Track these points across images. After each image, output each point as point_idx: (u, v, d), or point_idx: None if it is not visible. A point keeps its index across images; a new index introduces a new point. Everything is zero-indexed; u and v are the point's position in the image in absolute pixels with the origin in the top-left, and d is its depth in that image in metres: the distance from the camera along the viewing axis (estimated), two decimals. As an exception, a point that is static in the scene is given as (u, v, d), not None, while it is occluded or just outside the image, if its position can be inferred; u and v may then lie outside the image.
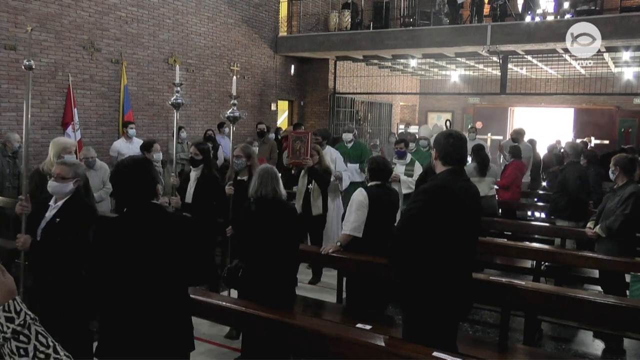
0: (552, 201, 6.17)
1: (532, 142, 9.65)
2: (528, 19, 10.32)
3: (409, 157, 6.49)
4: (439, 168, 2.74)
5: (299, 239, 3.52)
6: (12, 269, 4.69)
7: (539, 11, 11.26)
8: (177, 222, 2.39)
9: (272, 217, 3.27)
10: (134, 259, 2.24)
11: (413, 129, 15.28)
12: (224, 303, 3.12)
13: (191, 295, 2.62)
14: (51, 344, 1.14)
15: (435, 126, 8.05)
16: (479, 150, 6.65)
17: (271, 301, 3.14)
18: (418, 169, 6.29)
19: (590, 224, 4.80)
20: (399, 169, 6.34)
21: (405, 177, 6.29)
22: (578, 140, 11.11)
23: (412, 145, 7.32)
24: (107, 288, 2.34)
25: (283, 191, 3.43)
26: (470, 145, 7.79)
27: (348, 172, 6.34)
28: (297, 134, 5.64)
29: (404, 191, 6.16)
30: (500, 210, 7.07)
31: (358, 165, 7.01)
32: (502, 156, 9.03)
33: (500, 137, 15.39)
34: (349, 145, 7.28)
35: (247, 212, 3.33)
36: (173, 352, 2.34)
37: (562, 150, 8.46)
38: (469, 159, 7.54)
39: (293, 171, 5.78)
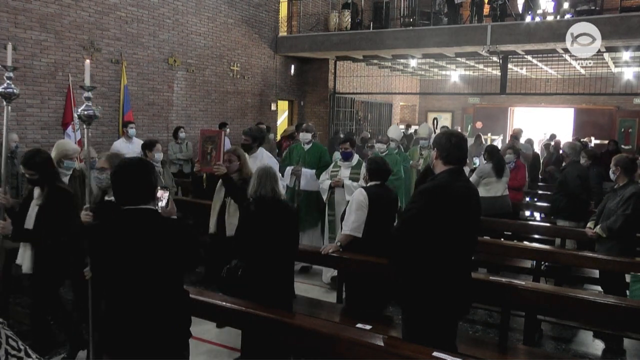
0: (552, 201, 6.17)
1: (530, 142, 9.71)
2: (528, 19, 10.32)
3: (355, 158, 5.71)
4: (439, 168, 2.74)
5: (298, 239, 3.52)
6: (13, 270, 4.70)
7: (539, 11, 11.26)
8: (172, 226, 2.41)
9: (271, 217, 3.28)
10: (128, 260, 2.26)
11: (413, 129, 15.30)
12: (224, 303, 3.12)
13: (191, 295, 2.62)
14: (22, 347, 1.14)
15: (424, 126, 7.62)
16: (494, 151, 6.65)
17: (271, 300, 3.14)
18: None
19: (590, 224, 4.80)
20: (343, 172, 5.62)
21: (350, 182, 5.47)
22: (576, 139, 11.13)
23: (380, 146, 6.57)
24: (105, 286, 2.37)
25: (282, 191, 3.44)
26: None
27: (284, 181, 5.47)
28: (207, 133, 4.55)
29: (348, 197, 5.22)
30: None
31: (315, 171, 6.11)
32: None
33: (500, 137, 15.42)
34: (307, 147, 6.31)
35: (247, 212, 3.34)
36: (170, 349, 2.36)
37: (560, 151, 8.50)
38: (481, 159, 7.51)
39: (204, 182, 4.50)
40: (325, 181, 5.73)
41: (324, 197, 5.70)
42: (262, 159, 5.18)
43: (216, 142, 4.29)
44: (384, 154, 6.26)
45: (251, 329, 3.10)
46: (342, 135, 9.82)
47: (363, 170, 5.37)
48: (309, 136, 6.32)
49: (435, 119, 7.43)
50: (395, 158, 6.45)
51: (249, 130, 5.46)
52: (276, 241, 3.26)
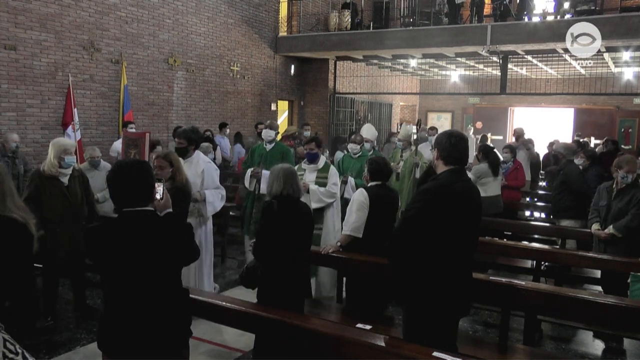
0: (555, 202, 6.03)
1: (531, 142, 9.71)
2: (525, 19, 10.33)
3: (322, 161, 5.19)
4: (440, 168, 2.74)
5: (312, 239, 3.51)
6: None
7: (539, 11, 11.26)
8: (170, 226, 2.42)
9: (294, 217, 3.26)
10: (129, 262, 2.27)
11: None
12: (224, 303, 3.12)
13: (192, 296, 2.62)
14: (19, 350, 1.14)
15: (405, 127, 6.99)
16: (489, 150, 6.65)
17: (290, 300, 3.16)
18: (333, 177, 5.10)
19: (596, 226, 4.69)
20: (307, 176, 5.06)
21: (316, 187, 4.95)
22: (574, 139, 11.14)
23: (353, 147, 5.88)
24: (105, 287, 2.38)
25: (300, 188, 3.43)
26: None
27: (221, 190, 4.71)
28: (130, 136, 3.90)
29: (314, 205, 4.77)
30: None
31: None
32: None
33: (500, 137, 15.43)
34: (269, 147, 5.70)
35: (269, 211, 3.28)
36: (170, 349, 2.38)
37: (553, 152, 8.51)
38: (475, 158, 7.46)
39: None
40: None
41: None
42: (197, 163, 4.52)
43: (139, 146, 3.74)
44: (358, 155, 5.82)
45: (251, 329, 3.10)
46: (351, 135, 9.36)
47: (332, 172, 5.06)
48: (272, 134, 5.68)
49: (419, 120, 6.98)
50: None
51: (182, 132, 4.56)
52: (297, 241, 3.26)
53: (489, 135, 15.00)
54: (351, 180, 5.55)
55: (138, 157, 3.73)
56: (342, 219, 5.50)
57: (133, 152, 3.79)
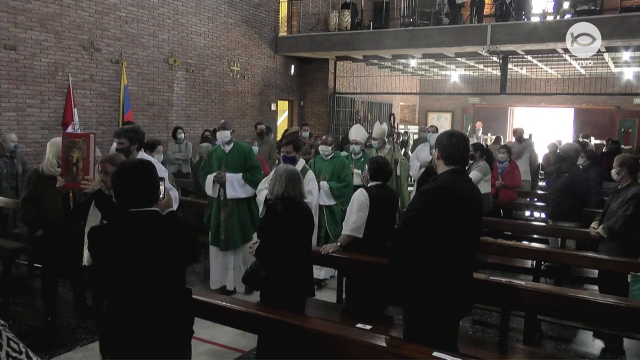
0: (554, 204, 5.90)
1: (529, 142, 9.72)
2: (524, 19, 10.32)
3: (300, 164, 4.93)
4: (441, 168, 2.73)
5: (311, 239, 3.53)
6: (13, 269, 4.70)
7: (539, 11, 11.27)
8: (174, 226, 2.41)
9: (298, 218, 3.26)
10: (134, 263, 2.26)
11: (412, 129, 15.31)
12: (225, 303, 3.12)
13: (193, 296, 2.62)
14: (23, 349, 1.14)
15: (377, 126, 6.54)
16: (484, 148, 6.67)
17: (295, 301, 3.17)
18: (309, 184, 4.77)
19: (594, 224, 4.79)
20: None
21: None
22: (577, 139, 11.13)
23: (324, 148, 5.57)
24: (110, 288, 2.36)
25: (305, 192, 3.44)
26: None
27: (174, 191, 3.97)
28: (71, 137, 3.46)
29: None
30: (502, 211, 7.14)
31: (241, 174, 5.12)
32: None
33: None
34: (228, 148, 5.20)
35: (274, 212, 3.28)
36: (172, 350, 2.37)
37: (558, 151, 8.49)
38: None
39: (71, 201, 3.65)
40: (262, 191, 4.77)
41: (260, 209, 4.80)
42: None
43: (83, 149, 3.33)
44: (330, 157, 5.56)
45: (251, 329, 3.10)
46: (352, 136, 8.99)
47: (308, 179, 4.72)
48: (227, 134, 5.16)
49: (392, 114, 6.52)
50: (342, 161, 5.58)
51: (122, 131, 4.05)
52: (300, 241, 3.27)
53: (488, 135, 15.03)
54: (324, 184, 5.33)
55: (82, 163, 3.34)
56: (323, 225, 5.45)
57: (76, 156, 3.34)
